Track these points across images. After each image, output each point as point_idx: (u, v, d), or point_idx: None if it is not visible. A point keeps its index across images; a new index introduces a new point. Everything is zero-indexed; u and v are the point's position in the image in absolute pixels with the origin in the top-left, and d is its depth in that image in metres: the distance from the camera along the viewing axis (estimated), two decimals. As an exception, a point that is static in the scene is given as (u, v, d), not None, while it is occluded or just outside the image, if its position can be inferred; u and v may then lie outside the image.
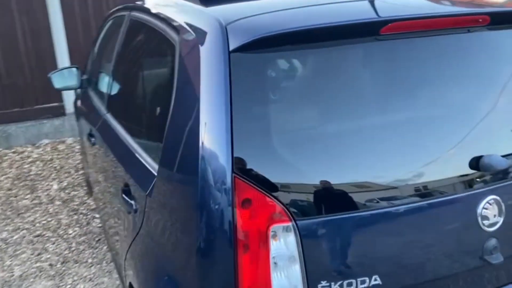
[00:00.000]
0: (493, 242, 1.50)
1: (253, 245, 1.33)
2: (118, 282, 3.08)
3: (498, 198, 1.50)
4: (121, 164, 2.06)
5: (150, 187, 1.64)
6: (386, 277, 1.40)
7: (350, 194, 1.38)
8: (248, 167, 1.34)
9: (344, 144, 1.43)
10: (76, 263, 3.28)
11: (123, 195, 1.89)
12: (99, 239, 3.61)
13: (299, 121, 1.45)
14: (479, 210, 1.47)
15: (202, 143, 1.37)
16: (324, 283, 1.35)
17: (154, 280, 1.60)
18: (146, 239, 1.69)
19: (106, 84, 2.63)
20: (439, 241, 1.46)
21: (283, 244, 1.33)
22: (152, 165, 1.69)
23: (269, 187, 1.32)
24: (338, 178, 1.39)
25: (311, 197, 1.36)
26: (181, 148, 1.48)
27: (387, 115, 1.51)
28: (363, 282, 1.38)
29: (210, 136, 1.36)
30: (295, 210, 1.33)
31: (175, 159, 1.50)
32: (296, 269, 1.34)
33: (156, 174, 1.63)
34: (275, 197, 1.32)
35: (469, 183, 1.49)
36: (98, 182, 2.76)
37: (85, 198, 4.13)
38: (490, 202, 1.48)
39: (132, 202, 1.81)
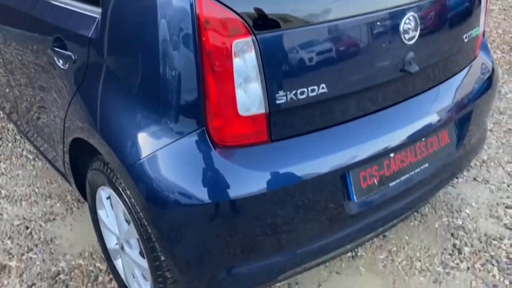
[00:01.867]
0: (411, 54, 1.75)
1: (217, 62, 1.41)
2: (34, 172, 2.99)
3: (415, 14, 1.72)
4: (46, 22, 1.95)
5: (93, 28, 1.61)
6: (330, 86, 1.58)
7: (302, 7, 1.50)
8: None
9: None
10: (-18, 162, 3.10)
11: (57, 49, 1.82)
12: (0, 137, 3.40)
13: None
14: (401, 25, 1.69)
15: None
16: (281, 93, 1.50)
17: (113, 116, 1.62)
18: (94, 83, 1.68)
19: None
20: (374, 55, 1.67)
21: (245, 60, 1.42)
22: (89, 9, 1.65)
23: (229, 2, 1.39)
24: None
25: (269, 11, 1.45)
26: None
27: None
28: (313, 90, 1.55)
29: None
30: (255, 24, 1.42)
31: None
32: (257, 83, 1.46)
33: (97, 16, 1.60)
34: (236, 12, 1.39)
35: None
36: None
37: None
38: (410, 17, 1.71)
39: (70, 52, 1.76)
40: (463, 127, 2.08)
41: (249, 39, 1.41)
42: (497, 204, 2.63)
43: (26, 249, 2.41)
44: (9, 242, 2.46)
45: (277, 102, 1.49)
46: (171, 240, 1.55)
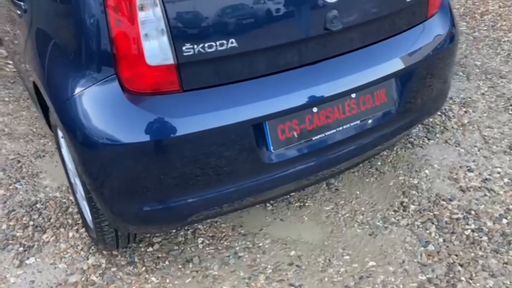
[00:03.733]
0: (333, 12, 1.80)
1: (122, 14, 1.54)
2: (36, 114, 3.28)
3: (336, -28, 1.77)
4: None
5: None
6: (241, 41, 1.68)
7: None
8: None
9: None
10: (-6, 102, 3.43)
11: (15, 0, 2.02)
12: (14, 81, 3.72)
13: None
14: (319, -17, 1.75)
15: None
16: (188, 45, 1.61)
17: (48, 63, 1.81)
18: (37, 32, 1.87)
19: None
20: (289, 12, 1.74)
21: (150, 13, 1.55)
22: None
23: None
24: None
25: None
26: None
27: None
28: (222, 44, 1.65)
29: None
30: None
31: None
32: (163, 35, 1.58)
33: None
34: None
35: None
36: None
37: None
38: (328, -24, 1.75)
39: (21, 3, 1.96)
40: (405, 88, 2.11)
41: (153, -6, 1.54)
42: (460, 167, 2.65)
43: (14, 180, 2.71)
44: (1, 173, 2.77)
45: (184, 54, 1.62)
46: (89, 175, 1.75)
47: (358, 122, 2.01)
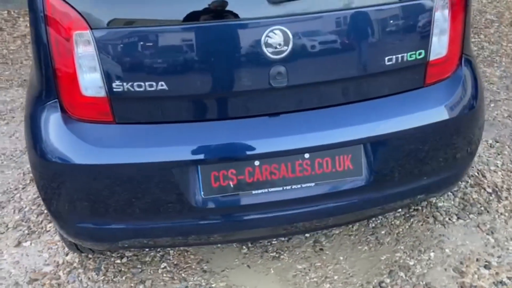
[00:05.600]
0: (279, 68, 1.71)
1: (61, 48, 1.69)
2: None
3: (285, 28, 1.67)
4: None
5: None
6: (172, 85, 1.70)
7: (143, 9, 1.66)
8: None
9: None
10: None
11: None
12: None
13: None
14: (263, 38, 1.67)
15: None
16: (118, 82, 1.69)
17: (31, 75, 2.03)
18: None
19: None
20: (227, 61, 1.70)
21: (84, 49, 1.66)
22: None
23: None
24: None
25: (109, 10, 1.65)
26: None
27: None
28: (151, 86, 1.70)
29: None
30: (94, 20, 1.64)
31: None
32: (96, 71, 1.68)
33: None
34: (76, 9, 1.63)
35: (257, 11, 1.66)
36: None
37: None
38: (274, 31, 1.66)
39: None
40: (380, 158, 1.89)
41: (87, 32, 1.65)
42: (477, 259, 2.25)
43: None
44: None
45: (114, 90, 1.70)
46: (37, 187, 1.94)
47: (311, 184, 1.87)
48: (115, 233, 1.91)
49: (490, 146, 3.03)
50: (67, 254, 2.43)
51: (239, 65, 1.72)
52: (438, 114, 1.91)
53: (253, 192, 1.85)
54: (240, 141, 1.80)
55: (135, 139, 1.78)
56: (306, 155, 1.84)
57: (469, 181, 2.73)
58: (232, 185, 1.83)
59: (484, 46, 4.45)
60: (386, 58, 1.79)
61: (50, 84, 1.78)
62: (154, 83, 1.70)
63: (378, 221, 2.50)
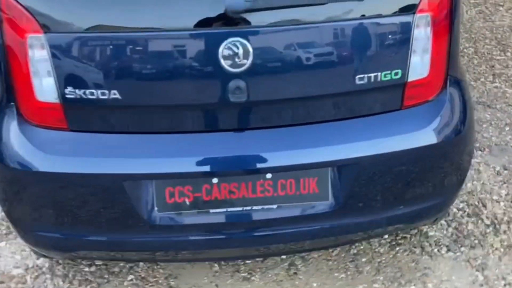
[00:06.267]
0: (238, 83, 1.60)
1: (15, 52, 1.64)
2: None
3: (244, 41, 1.56)
4: None
5: None
6: (125, 94, 1.62)
7: (99, 14, 1.59)
8: None
9: None
10: None
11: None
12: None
13: None
14: (220, 50, 1.57)
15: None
16: (70, 88, 1.63)
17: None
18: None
19: None
20: (182, 73, 1.61)
21: (37, 53, 1.60)
22: None
23: (28, 2, 1.59)
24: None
25: (64, 14, 1.59)
26: None
27: None
28: (103, 94, 1.62)
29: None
30: (48, 24, 1.58)
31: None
32: (49, 75, 1.62)
33: None
34: (30, 12, 1.57)
35: (213, 22, 1.57)
36: None
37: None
38: (232, 43, 1.56)
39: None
40: (350, 183, 1.76)
41: (41, 35, 1.59)
42: (461, 298, 2.08)
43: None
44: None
45: (67, 96, 1.63)
46: None
47: (273, 206, 1.76)
48: (66, 242, 1.85)
49: (497, 174, 2.81)
50: (38, 258, 2.39)
51: (195, 77, 1.63)
52: (416, 139, 1.76)
53: (211, 211, 1.76)
54: (198, 157, 1.70)
55: (87, 148, 1.72)
56: (268, 175, 1.73)
57: (467, 210, 2.53)
58: (188, 203, 1.74)
59: (509, 64, 4.20)
60: (357, 77, 1.66)
61: (8, 87, 1.74)
62: (106, 91, 1.63)
63: (361, 247, 2.35)
